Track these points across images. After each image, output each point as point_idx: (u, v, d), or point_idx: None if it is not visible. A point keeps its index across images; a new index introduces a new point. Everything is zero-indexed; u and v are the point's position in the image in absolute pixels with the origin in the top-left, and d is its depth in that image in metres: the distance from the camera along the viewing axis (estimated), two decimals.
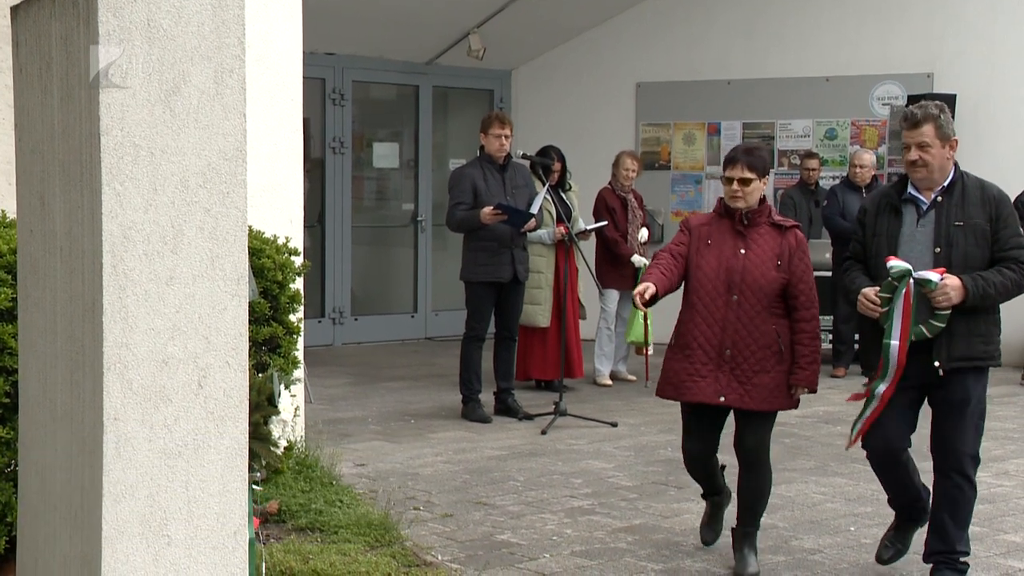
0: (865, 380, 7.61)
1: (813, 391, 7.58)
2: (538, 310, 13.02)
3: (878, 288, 6.99)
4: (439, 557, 7.60)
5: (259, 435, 5.22)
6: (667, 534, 8.18)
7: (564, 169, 13.50)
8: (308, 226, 13.37)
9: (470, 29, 16.94)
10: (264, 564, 6.44)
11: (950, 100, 15.81)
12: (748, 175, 7.44)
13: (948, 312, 6.84)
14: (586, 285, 14.05)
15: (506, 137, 12.05)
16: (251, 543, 5.09)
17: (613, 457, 10.51)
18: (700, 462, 7.75)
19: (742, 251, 7.46)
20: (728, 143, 17.08)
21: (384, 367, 15.41)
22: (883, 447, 7.26)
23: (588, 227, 13.53)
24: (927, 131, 7.02)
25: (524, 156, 12.69)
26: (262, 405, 5.27)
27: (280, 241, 8.00)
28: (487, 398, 12.24)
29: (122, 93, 4.17)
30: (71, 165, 4.39)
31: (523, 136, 16.21)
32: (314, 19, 11.43)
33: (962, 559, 7.18)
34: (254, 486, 5.49)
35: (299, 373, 8.19)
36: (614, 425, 11.45)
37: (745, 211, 7.49)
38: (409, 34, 16.99)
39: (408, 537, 7.86)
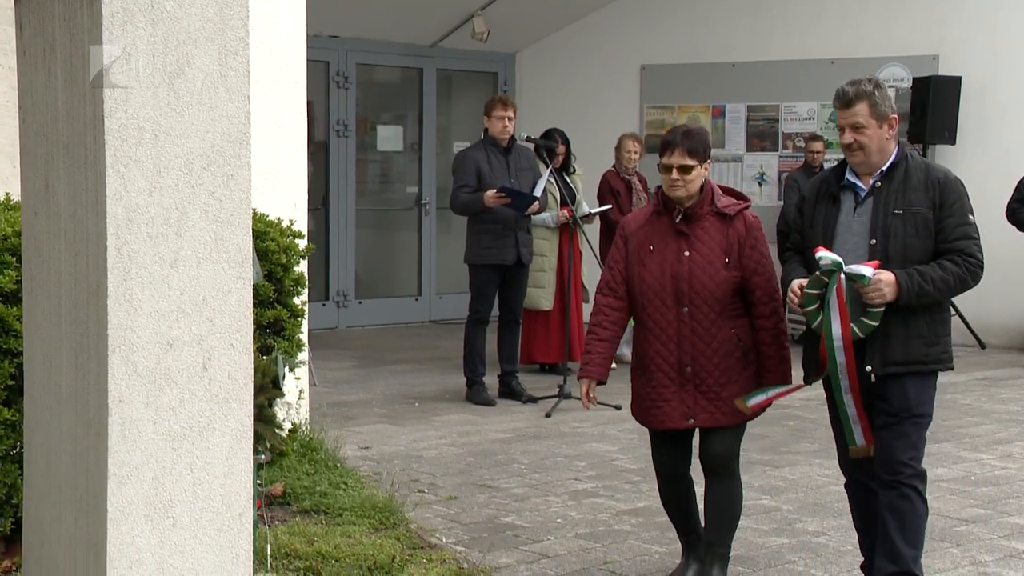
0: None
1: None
2: (541, 293, 13.03)
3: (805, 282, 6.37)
4: (443, 539, 7.62)
5: (264, 417, 5.24)
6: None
7: (568, 152, 13.50)
8: (312, 209, 13.36)
9: (474, 12, 16.94)
10: (269, 546, 6.45)
11: (955, 83, 15.80)
12: (688, 161, 6.64)
13: (881, 310, 6.22)
14: (590, 268, 14.05)
15: (509, 119, 12.06)
16: (253, 524, 5.10)
17: (617, 440, 10.52)
18: (674, 479, 6.98)
19: (686, 253, 6.68)
20: (733, 125, 17.12)
21: (388, 350, 15.43)
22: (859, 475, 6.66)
23: (592, 210, 13.53)
24: (861, 110, 6.34)
25: (528, 139, 12.69)
26: (266, 387, 5.29)
27: (284, 224, 8.02)
28: (491, 381, 12.26)
29: (126, 75, 4.18)
30: (75, 147, 4.39)
31: (527, 119, 16.20)
32: (318, 2, 11.42)
33: None
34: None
35: (303, 356, 8.20)
36: (618, 408, 11.46)
37: (684, 205, 6.71)
38: (413, 17, 16.98)
39: (412, 519, 7.88)
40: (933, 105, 15.65)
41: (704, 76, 17.40)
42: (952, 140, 15.93)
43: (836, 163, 6.74)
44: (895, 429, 6.38)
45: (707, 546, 6.89)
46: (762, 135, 17.29)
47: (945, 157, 16.24)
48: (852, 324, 6.28)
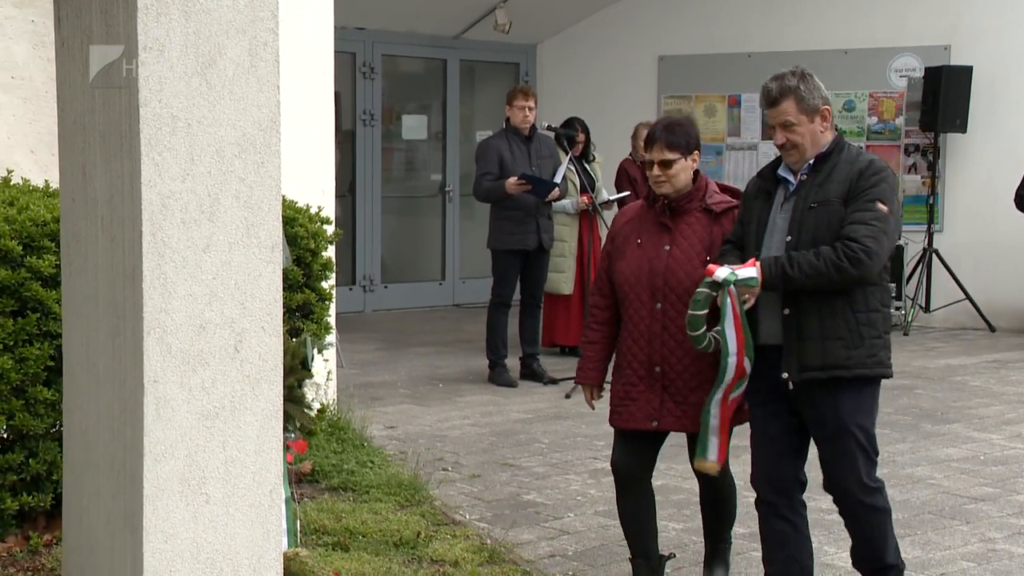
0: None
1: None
2: (562, 278, 13.13)
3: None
4: (467, 516, 7.74)
5: (293, 398, 5.34)
6: (687, 494, 8.29)
7: (588, 140, 13.58)
8: (339, 196, 13.48)
9: (496, 4, 16.99)
10: (298, 522, 6.59)
11: (967, 72, 15.87)
12: (669, 156, 6.25)
13: (699, 313, 5.77)
14: None
15: (530, 109, 12.17)
16: (287, 502, 5.22)
17: None
18: (629, 482, 6.50)
19: (666, 248, 6.29)
20: (748, 115, 17.18)
21: (413, 333, 15.53)
22: (770, 489, 6.16)
23: (611, 197, 13.61)
24: (788, 108, 5.86)
25: (549, 127, 12.79)
26: (296, 369, 5.40)
27: (312, 210, 8.10)
28: (513, 363, 12.34)
29: (160, 65, 4.29)
30: (111, 136, 4.50)
31: (548, 109, 16.29)
32: None
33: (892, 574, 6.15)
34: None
35: (331, 339, 8.32)
36: None
37: (670, 198, 6.33)
38: (437, 9, 17.08)
39: (437, 497, 8.01)
40: (944, 94, 15.73)
41: (720, 66, 17.46)
42: (963, 129, 16.01)
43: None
44: (833, 448, 5.90)
45: (710, 545, 6.75)
46: None
47: (956, 145, 16.34)
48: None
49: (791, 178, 5.94)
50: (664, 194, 6.32)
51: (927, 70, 16.05)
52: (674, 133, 6.29)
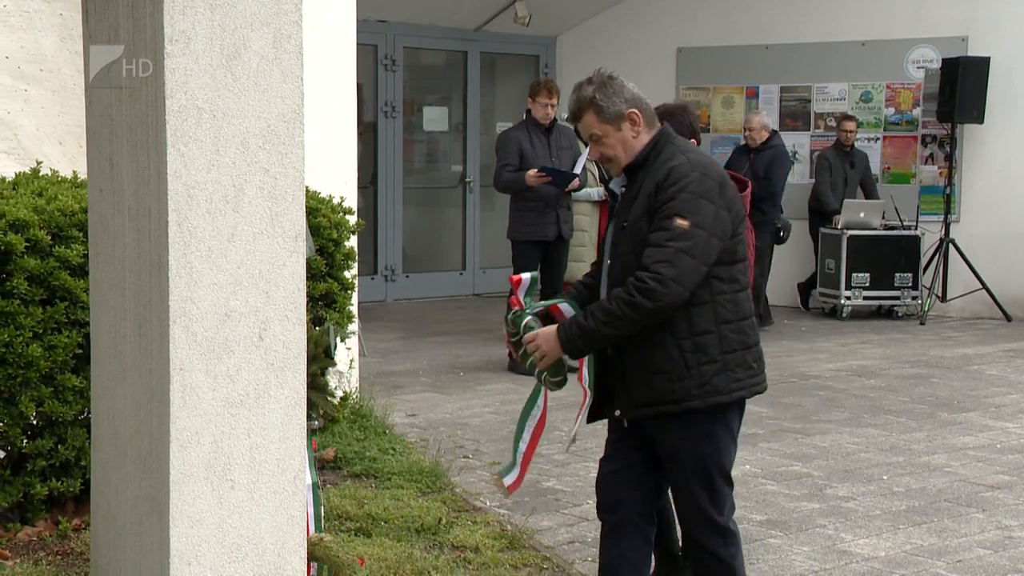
0: None
1: None
2: (582, 267, 13.10)
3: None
4: (487, 503, 7.81)
5: (316, 385, 5.38)
6: None
7: None
8: (361, 187, 13.56)
9: None
10: (322, 508, 6.66)
11: (984, 64, 15.90)
12: None
13: (563, 368, 5.50)
14: None
15: (552, 106, 12.25)
16: (315, 487, 5.28)
17: None
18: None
19: None
20: (766, 106, 17.20)
21: (434, 322, 15.59)
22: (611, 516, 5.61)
23: None
24: (589, 121, 5.38)
25: (568, 119, 12.83)
26: (319, 357, 5.44)
27: (335, 201, 8.15)
28: None
29: (185, 58, 4.35)
30: (138, 128, 4.56)
31: (567, 100, 16.32)
32: None
33: None
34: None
35: (353, 327, 8.38)
36: None
37: None
38: (458, 2, 17.16)
39: (458, 484, 8.09)
40: (962, 85, 15.75)
41: (738, 58, 17.49)
42: (980, 120, 16.04)
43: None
44: (677, 483, 5.45)
45: (685, 556, 6.32)
46: (794, 115, 17.39)
47: (973, 136, 16.36)
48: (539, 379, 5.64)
49: (619, 191, 5.51)
50: None
51: (944, 61, 16.08)
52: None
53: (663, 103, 6.34)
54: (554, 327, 5.36)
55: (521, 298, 5.60)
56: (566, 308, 5.59)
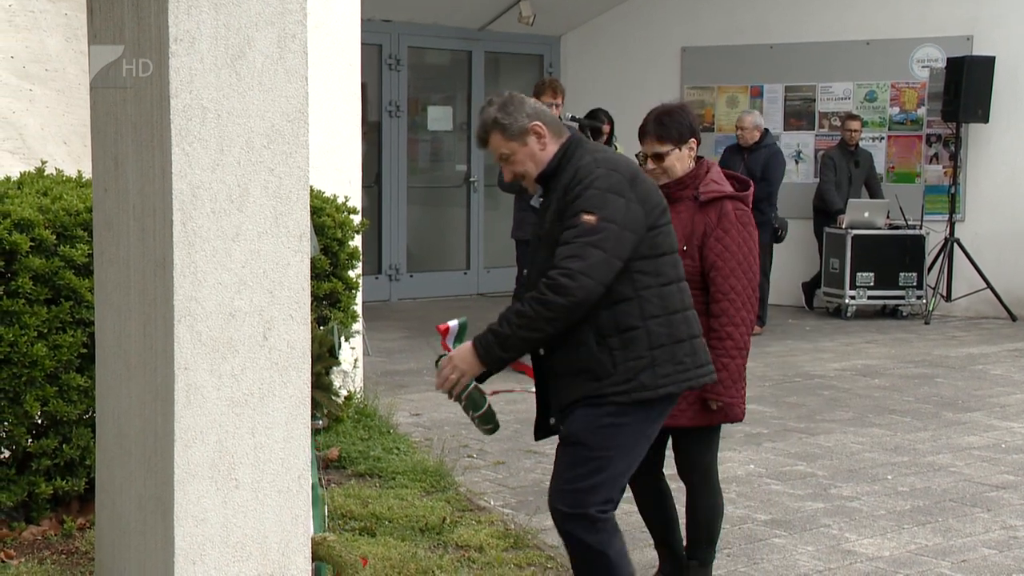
0: None
1: (728, 412, 6.11)
2: None
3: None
4: (491, 502, 7.82)
5: (321, 385, 5.39)
6: None
7: (612, 131, 13.66)
8: (366, 186, 13.55)
9: None
10: (326, 507, 6.67)
11: (989, 63, 15.90)
12: (660, 148, 6.10)
13: (478, 400, 5.48)
14: None
15: (557, 106, 12.23)
16: (314, 487, 5.28)
17: None
18: (642, 483, 6.29)
19: None
20: (771, 105, 17.23)
21: (438, 321, 15.53)
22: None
23: None
24: (496, 142, 5.34)
25: (574, 119, 12.84)
26: (323, 356, 5.45)
27: (340, 200, 8.17)
28: None
29: (190, 58, 4.35)
30: (142, 127, 4.57)
31: (571, 100, 16.31)
32: None
33: None
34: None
35: (357, 327, 8.38)
36: None
37: (662, 186, 5.91)
38: (462, 1, 17.18)
39: (462, 483, 8.09)
40: (967, 85, 15.76)
41: (743, 57, 17.50)
42: (985, 119, 16.05)
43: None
44: (560, 452, 5.37)
45: (688, 560, 6.42)
46: (799, 114, 17.39)
47: (978, 136, 16.36)
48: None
49: (538, 204, 5.48)
50: (661, 185, 5.97)
51: (949, 60, 16.08)
52: (664, 125, 6.12)
53: (662, 103, 6.34)
54: (469, 342, 5.33)
55: (451, 345, 5.60)
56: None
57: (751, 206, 6.30)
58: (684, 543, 6.50)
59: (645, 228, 5.18)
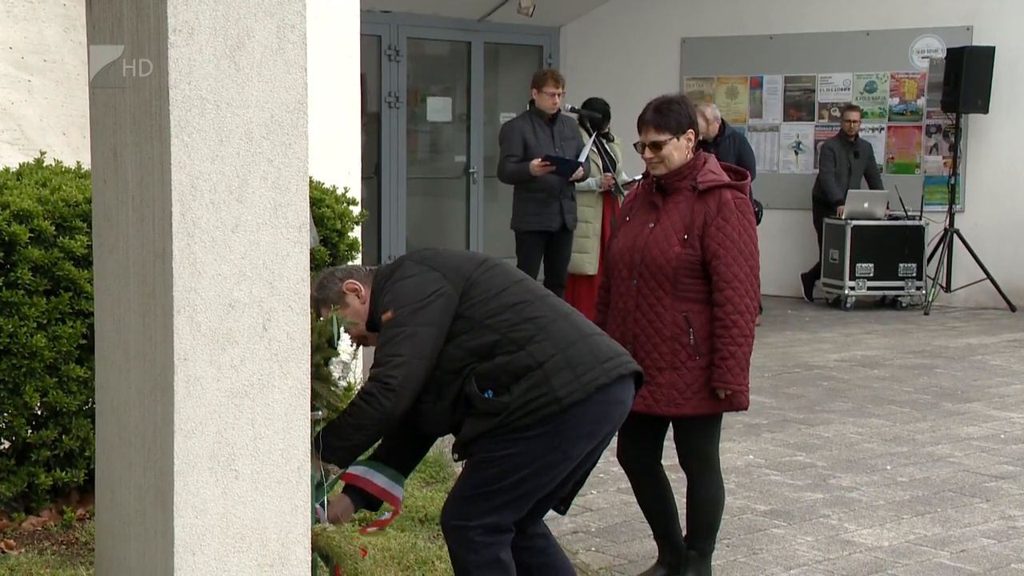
0: None
1: (735, 400, 6.14)
2: (586, 258, 13.16)
3: None
4: None
5: (320, 376, 5.38)
6: None
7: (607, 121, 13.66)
8: (365, 177, 13.54)
9: None
10: (325, 498, 6.66)
11: (989, 53, 15.91)
12: (658, 137, 6.17)
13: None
14: None
15: (558, 96, 12.24)
16: (317, 482, 5.27)
17: None
18: (639, 474, 6.45)
19: (651, 225, 6.18)
20: (770, 96, 17.26)
21: None
22: None
23: (631, 178, 13.65)
24: (331, 317, 5.34)
25: (572, 110, 12.83)
26: (322, 347, 5.44)
27: (339, 191, 8.18)
28: None
29: (189, 48, 4.33)
30: (141, 118, 4.55)
31: (571, 91, 16.25)
32: None
33: None
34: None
35: None
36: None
37: (660, 177, 6.23)
38: None
39: None
40: (967, 75, 15.79)
41: (742, 48, 17.52)
42: (985, 109, 16.07)
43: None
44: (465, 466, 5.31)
45: (688, 550, 6.43)
46: (798, 105, 17.41)
47: (978, 126, 16.38)
48: None
49: None
50: (659, 175, 6.23)
51: (949, 51, 16.10)
52: (663, 114, 6.17)
53: (662, 94, 6.38)
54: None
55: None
56: (361, 471, 5.49)
57: (749, 194, 6.34)
58: (684, 533, 6.50)
59: (457, 299, 5.11)
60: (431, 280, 5.15)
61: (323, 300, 5.40)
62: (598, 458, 5.34)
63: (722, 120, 15.09)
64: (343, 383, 5.83)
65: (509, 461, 5.04)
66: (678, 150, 6.18)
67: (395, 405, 5.04)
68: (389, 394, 5.04)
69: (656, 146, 6.17)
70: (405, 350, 5.04)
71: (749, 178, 6.41)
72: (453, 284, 5.13)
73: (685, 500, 6.44)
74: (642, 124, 6.24)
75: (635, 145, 6.37)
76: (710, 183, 6.14)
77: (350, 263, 5.52)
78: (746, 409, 6.27)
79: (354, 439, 5.14)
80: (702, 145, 14.40)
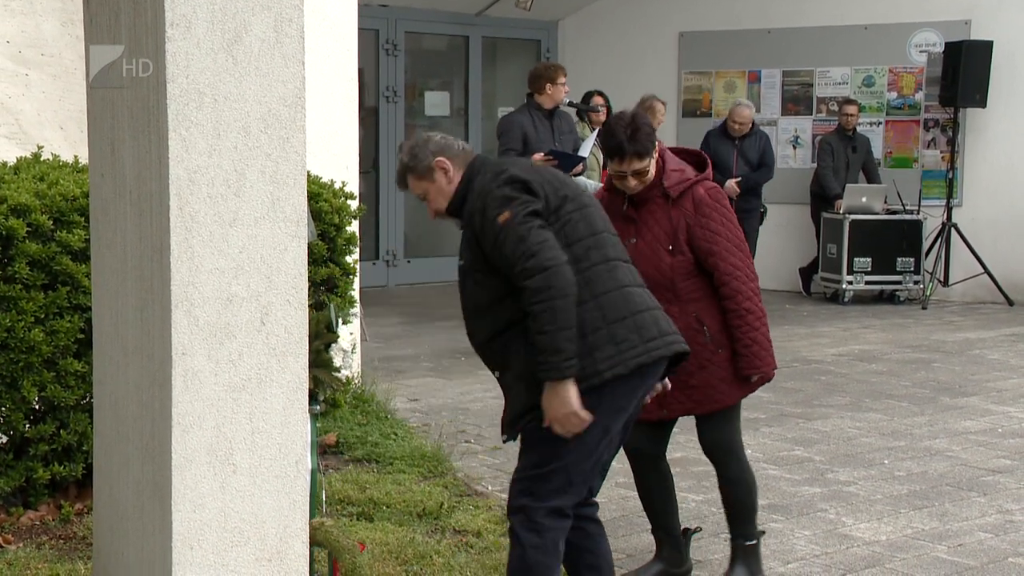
0: None
1: (765, 377, 6.24)
2: None
3: None
4: (489, 487, 7.81)
5: (320, 362, 5.39)
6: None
7: (608, 115, 13.65)
8: (363, 172, 13.55)
9: None
10: (324, 492, 6.67)
11: (987, 47, 15.90)
12: (642, 165, 5.97)
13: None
14: None
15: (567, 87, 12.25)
16: (313, 473, 5.28)
17: None
18: (645, 465, 6.42)
19: (632, 241, 6.02)
20: (768, 90, 17.24)
21: (436, 307, 15.56)
22: None
23: None
24: (412, 185, 5.49)
25: (571, 104, 12.82)
26: (322, 333, 5.45)
27: (337, 186, 8.17)
28: None
29: (187, 42, 4.33)
30: (139, 112, 4.54)
31: (569, 85, 16.33)
32: None
33: None
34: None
35: (355, 312, 8.39)
36: None
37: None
38: None
39: (459, 468, 8.10)
40: (965, 69, 15.77)
41: (741, 42, 17.51)
42: (983, 103, 16.06)
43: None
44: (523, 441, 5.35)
45: (733, 541, 6.44)
46: (796, 99, 17.39)
47: (976, 120, 16.37)
48: None
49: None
50: (634, 192, 6.09)
51: (947, 45, 16.09)
52: (639, 141, 5.94)
53: (618, 117, 6.18)
54: (546, 392, 5.01)
55: None
56: None
57: (713, 178, 6.28)
58: (691, 525, 6.57)
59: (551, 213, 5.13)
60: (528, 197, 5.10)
61: (412, 169, 5.38)
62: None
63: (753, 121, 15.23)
64: (344, 372, 5.83)
65: (555, 438, 5.06)
66: (653, 165, 6.05)
67: (565, 276, 4.95)
68: (557, 270, 4.93)
69: (641, 174, 6.01)
70: (540, 235, 4.97)
71: (708, 162, 6.32)
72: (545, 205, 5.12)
73: (720, 492, 6.45)
74: (622, 155, 5.96)
75: (613, 174, 6.12)
76: (681, 186, 6.07)
77: (441, 136, 5.47)
78: (772, 378, 6.29)
79: (566, 312, 4.93)
80: (723, 137, 14.46)
